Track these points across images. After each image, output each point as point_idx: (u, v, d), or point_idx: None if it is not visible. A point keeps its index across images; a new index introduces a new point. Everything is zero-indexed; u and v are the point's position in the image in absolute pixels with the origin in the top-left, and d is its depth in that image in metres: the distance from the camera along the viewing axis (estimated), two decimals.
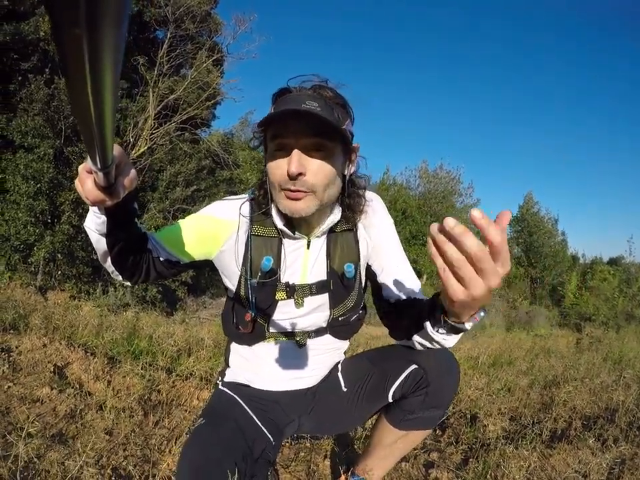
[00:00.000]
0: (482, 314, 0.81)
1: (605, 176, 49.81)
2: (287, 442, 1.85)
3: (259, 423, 1.20)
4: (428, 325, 0.92)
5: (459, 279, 0.63)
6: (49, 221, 6.65)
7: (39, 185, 6.43)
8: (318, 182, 0.99)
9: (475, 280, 0.62)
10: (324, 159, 0.99)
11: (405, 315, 1.09)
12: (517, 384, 2.98)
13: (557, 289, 18.27)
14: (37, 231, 6.32)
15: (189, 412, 2.05)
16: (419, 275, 18.08)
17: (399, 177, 19.90)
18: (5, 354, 2.27)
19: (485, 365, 3.78)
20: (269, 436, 1.20)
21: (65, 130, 7.09)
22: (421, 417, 1.17)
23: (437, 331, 0.91)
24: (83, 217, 7.24)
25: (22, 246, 6.27)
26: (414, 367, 1.14)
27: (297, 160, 0.95)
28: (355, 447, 1.88)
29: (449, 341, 0.93)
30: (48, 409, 1.83)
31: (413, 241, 16.90)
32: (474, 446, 1.93)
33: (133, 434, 1.75)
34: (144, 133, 8.31)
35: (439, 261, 0.63)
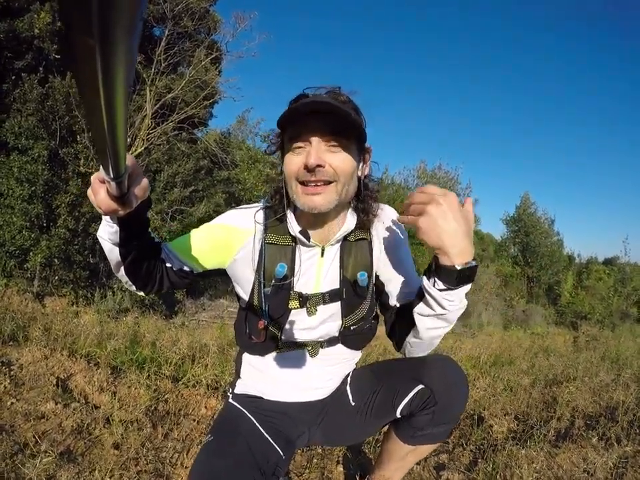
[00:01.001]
0: (473, 262, 0.93)
1: (601, 177, 50.40)
2: (300, 449, 1.82)
3: (269, 438, 1.19)
4: (424, 279, 0.98)
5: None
6: (45, 224, 6.54)
7: (33, 188, 6.33)
8: (339, 172, 1.00)
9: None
10: (342, 152, 1.00)
11: (407, 310, 1.10)
12: (519, 383, 3.02)
13: (553, 288, 18.47)
14: (33, 235, 6.22)
15: (198, 421, 2.03)
16: (417, 273, 18.11)
17: (397, 176, 19.93)
18: (5, 368, 2.24)
19: (487, 364, 3.80)
20: (279, 450, 1.19)
21: (60, 130, 6.98)
22: (431, 432, 1.19)
23: (434, 286, 0.95)
24: (79, 220, 7.19)
25: (17, 251, 6.16)
26: (420, 387, 1.14)
27: (315, 152, 0.96)
28: (367, 452, 1.88)
29: (451, 298, 0.96)
30: (54, 425, 1.80)
31: (411, 240, 16.93)
32: (482, 447, 1.96)
33: (143, 448, 1.72)
34: (141, 133, 8.23)
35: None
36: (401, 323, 1.14)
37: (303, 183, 1.00)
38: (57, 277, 6.34)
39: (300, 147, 1.00)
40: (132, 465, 1.60)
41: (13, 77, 6.91)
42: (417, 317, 1.04)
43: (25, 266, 6.11)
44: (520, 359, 4.47)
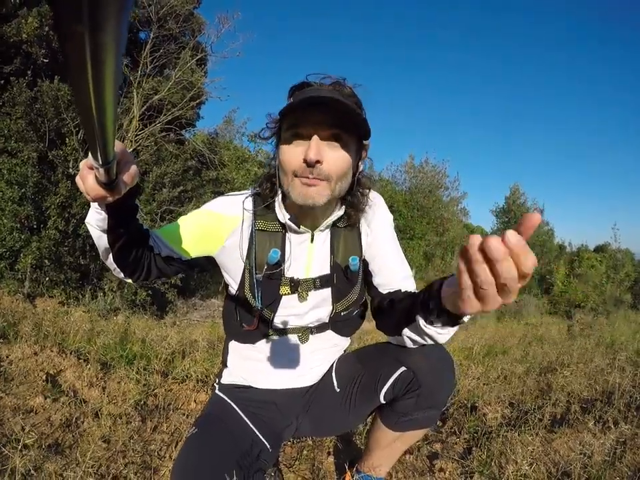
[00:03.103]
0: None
1: (587, 165, 50.81)
2: (289, 441, 1.82)
3: (255, 430, 1.19)
4: (419, 318, 0.90)
5: (480, 297, 0.62)
6: (35, 226, 6.53)
7: (23, 190, 6.32)
8: (333, 171, 1.00)
9: (494, 298, 0.60)
10: (340, 149, 0.99)
11: (395, 307, 1.09)
12: (512, 372, 2.99)
13: (546, 277, 18.37)
14: (23, 237, 6.20)
15: (187, 415, 2.03)
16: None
17: (385, 172, 20.00)
18: None
19: (480, 354, 3.81)
20: (265, 442, 1.19)
21: (49, 133, 6.97)
22: (416, 417, 1.17)
23: (431, 324, 0.88)
24: (69, 221, 7.16)
25: (8, 253, 6.15)
26: (402, 369, 1.12)
27: (315, 147, 0.96)
28: (357, 441, 1.87)
29: (443, 335, 0.90)
30: (42, 419, 1.80)
31: (400, 236, 17.00)
32: (476, 434, 1.94)
33: (131, 441, 1.72)
34: (129, 135, 8.22)
35: (465, 278, 0.61)
36: (386, 323, 1.14)
37: (298, 177, 1.00)
38: (47, 278, 6.32)
39: (299, 139, 0.99)
40: (120, 458, 1.60)
41: (2, 81, 6.90)
42: (405, 339, 1.03)
43: (16, 267, 6.08)
44: (514, 348, 4.47)
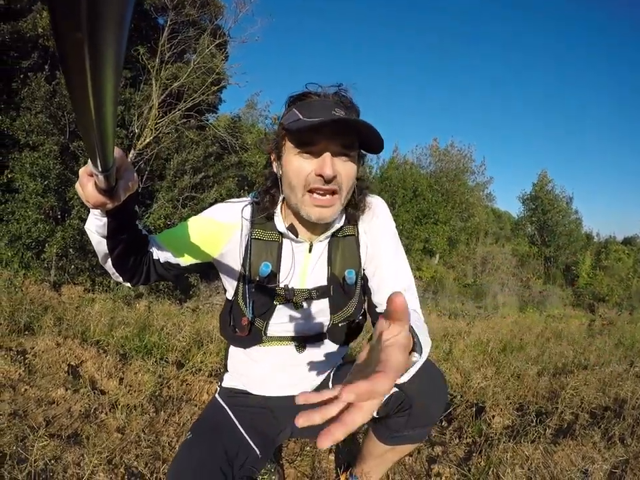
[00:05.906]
0: (414, 359, 0.77)
1: (619, 153, 48.85)
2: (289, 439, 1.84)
3: (247, 437, 1.21)
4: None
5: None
6: (59, 216, 6.72)
7: (46, 182, 6.48)
8: (344, 184, 1.01)
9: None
10: (349, 162, 1.01)
11: None
12: (526, 372, 2.92)
13: (571, 268, 17.86)
14: (48, 227, 6.38)
15: (199, 407, 2.09)
16: (432, 254, 17.97)
17: (410, 155, 19.67)
18: (20, 356, 2.34)
19: (495, 350, 3.75)
20: (255, 449, 1.20)
21: (69, 125, 7.09)
22: (408, 434, 1.17)
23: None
24: None
25: (34, 243, 6.35)
26: (394, 389, 1.12)
27: (330, 163, 0.96)
28: (360, 439, 1.87)
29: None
30: (63, 410, 1.89)
31: (424, 220, 16.74)
32: (478, 440, 1.92)
33: (144, 432, 1.79)
34: (149, 123, 8.24)
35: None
36: None
37: (310, 191, 1.00)
38: (72, 266, 6.51)
39: (308, 153, 0.99)
40: (133, 448, 1.67)
41: (21, 76, 7.01)
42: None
43: (42, 257, 6.28)
44: (530, 345, 4.38)
